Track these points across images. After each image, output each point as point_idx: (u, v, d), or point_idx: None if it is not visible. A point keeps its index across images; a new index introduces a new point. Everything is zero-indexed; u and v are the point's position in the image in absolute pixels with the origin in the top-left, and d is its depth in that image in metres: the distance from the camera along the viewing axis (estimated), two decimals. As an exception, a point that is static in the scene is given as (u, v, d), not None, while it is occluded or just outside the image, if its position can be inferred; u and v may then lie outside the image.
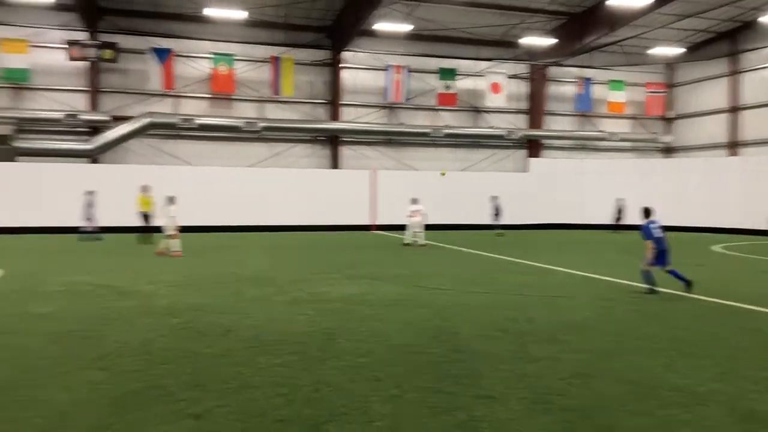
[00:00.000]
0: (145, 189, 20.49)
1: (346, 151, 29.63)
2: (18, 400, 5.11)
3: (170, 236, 16.27)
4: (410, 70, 29.29)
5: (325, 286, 11.35)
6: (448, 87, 29.51)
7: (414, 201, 20.76)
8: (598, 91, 32.16)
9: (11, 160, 24.64)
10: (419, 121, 30.39)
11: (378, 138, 29.93)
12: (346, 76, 29.46)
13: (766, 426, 4.71)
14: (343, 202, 27.26)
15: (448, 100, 29.68)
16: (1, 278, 12.02)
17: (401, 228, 27.67)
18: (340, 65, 28.97)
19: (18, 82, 25.16)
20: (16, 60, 24.65)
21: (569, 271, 13.98)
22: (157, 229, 17.90)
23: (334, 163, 29.30)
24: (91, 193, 21.85)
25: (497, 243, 21.68)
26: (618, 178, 29.49)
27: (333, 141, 29.37)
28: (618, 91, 32.12)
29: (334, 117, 29.06)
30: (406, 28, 26.96)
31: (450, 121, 30.64)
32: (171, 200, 16.54)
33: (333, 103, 29.18)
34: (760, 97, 29.49)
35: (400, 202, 27.99)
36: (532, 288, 11.30)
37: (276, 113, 28.64)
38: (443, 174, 23.00)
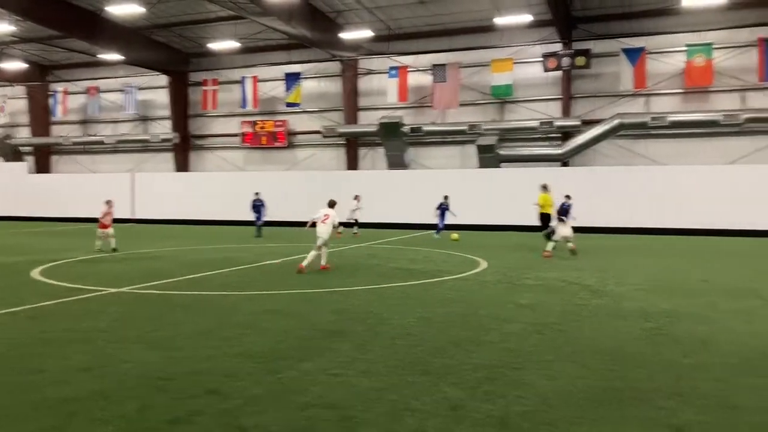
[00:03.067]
0: (545, 188, 18.89)
1: None
2: (505, 381, 5.80)
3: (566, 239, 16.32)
4: None
5: None
6: None
7: None
8: None
9: (496, 166, 28.08)
10: None
11: None
12: None
13: None
14: None
15: None
16: (486, 270, 13.81)
17: None
18: None
19: (503, 97, 28.47)
20: (502, 78, 27.94)
21: None
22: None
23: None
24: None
25: None
26: None
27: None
28: None
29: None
30: None
31: None
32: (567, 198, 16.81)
33: (842, 83, 23.92)
34: None
35: None
36: None
37: (763, 102, 25.07)
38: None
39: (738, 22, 25.01)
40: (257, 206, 23.98)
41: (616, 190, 24.94)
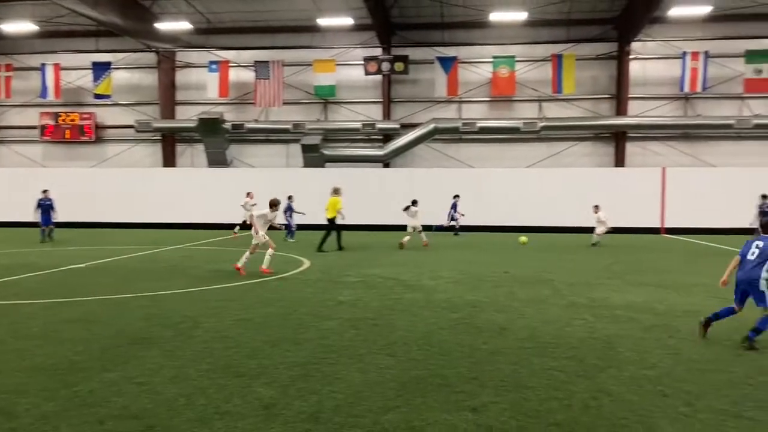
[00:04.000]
0: (336, 191, 18.41)
1: (631, 148, 27.73)
2: (318, 377, 5.87)
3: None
4: (709, 56, 26.18)
5: (605, 292, 10.79)
6: (759, 71, 25.66)
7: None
8: None
9: (321, 165, 28.35)
10: (720, 111, 26.99)
11: (669, 132, 27.39)
12: (635, 68, 27.55)
13: None
14: (628, 202, 25.48)
15: (758, 87, 25.81)
16: (309, 269, 13.90)
17: (695, 231, 25.04)
18: (629, 57, 27.20)
19: (326, 97, 28.81)
20: (325, 78, 28.26)
21: None
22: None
23: (619, 161, 27.62)
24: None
25: None
26: None
27: (618, 138, 27.71)
28: None
29: (620, 112, 27.39)
30: (704, 10, 24.19)
31: (761, 110, 26.62)
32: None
33: (618, 97, 27.54)
34: None
35: (696, 200, 25.45)
36: None
37: (556, 112, 28.09)
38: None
39: (536, 39, 27.75)
40: (45, 206, 21.37)
41: (432, 191, 26.39)
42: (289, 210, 22.04)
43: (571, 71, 26.81)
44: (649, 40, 27.13)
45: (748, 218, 20.65)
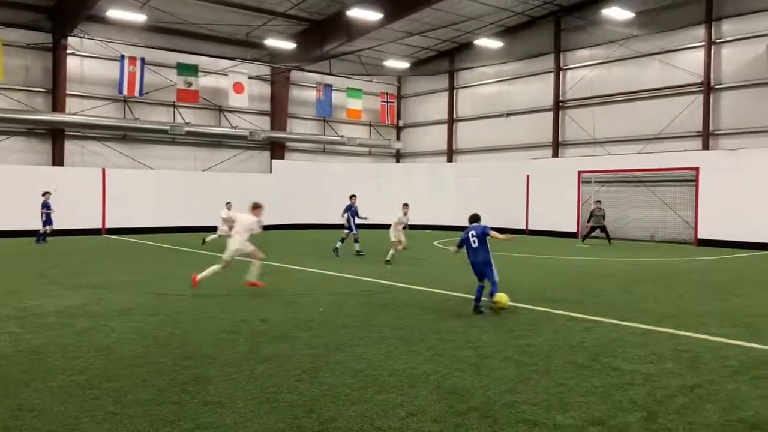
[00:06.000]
0: None
1: (71, 147, 26.67)
2: None
3: None
4: (147, 63, 27.46)
5: (38, 299, 10.06)
6: (189, 83, 28.32)
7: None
8: (338, 98, 33.65)
9: None
10: (157, 117, 28.67)
11: (111, 133, 27.51)
12: (73, 64, 26.53)
13: (464, 400, 5.34)
14: (69, 202, 24.35)
15: (188, 97, 28.47)
16: None
17: (133, 231, 25.93)
18: (66, 51, 25.97)
19: None
20: None
21: (311, 270, 14.39)
22: None
23: (57, 160, 26.16)
24: None
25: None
26: (356, 180, 31.30)
27: (55, 135, 26.21)
28: (356, 98, 33.97)
29: (57, 108, 25.96)
30: (140, 17, 25.22)
31: (192, 118, 29.48)
32: None
33: (55, 93, 26.03)
34: (470, 111, 33.66)
35: (135, 201, 26.34)
36: (272, 288, 11.36)
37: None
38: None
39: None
40: None
41: None
42: None
43: (-2, 56, 23.93)
44: (87, 38, 26.53)
45: (176, 218, 22.61)
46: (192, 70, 28.42)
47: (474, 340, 7.47)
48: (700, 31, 24.20)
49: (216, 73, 29.83)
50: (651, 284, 12.44)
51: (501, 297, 9.11)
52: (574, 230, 25.74)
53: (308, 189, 30.78)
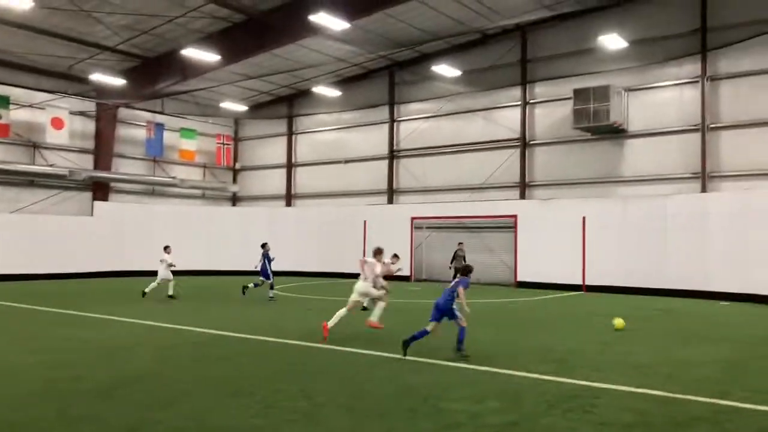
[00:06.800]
0: None
1: None
2: None
3: None
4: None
5: None
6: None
7: None
8: (170, 138, 32.26)
9: None
10: (-42, 151, 25.52)
11: None
12: None
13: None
14: None
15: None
16: None
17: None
18: None
19: None
20: None
21: (133, 320, 13.36)
22: None
23: None
24: None
25: (52, 295, 19.43)
26: (188, 224, 29.95)
27: None
28: (190, 139, 32.81)
29: None
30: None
31: (1, 155, 26.57)
32: None
33: None
34: (310, 157, 33.96)
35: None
36: (88, 342, 10.35)
37: None
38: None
39: None
40: None
41: None
42: None
43: None
44: None
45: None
46: (2, 101, 25.79)
47: (307, 388, 7.32)
48: (517, 92, 26.72)
49: (31, 106, 27.30)
50: (477, 325, 13.13)
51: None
52: (408, 274, 26.63)
53: (134, 233, 28.87)
